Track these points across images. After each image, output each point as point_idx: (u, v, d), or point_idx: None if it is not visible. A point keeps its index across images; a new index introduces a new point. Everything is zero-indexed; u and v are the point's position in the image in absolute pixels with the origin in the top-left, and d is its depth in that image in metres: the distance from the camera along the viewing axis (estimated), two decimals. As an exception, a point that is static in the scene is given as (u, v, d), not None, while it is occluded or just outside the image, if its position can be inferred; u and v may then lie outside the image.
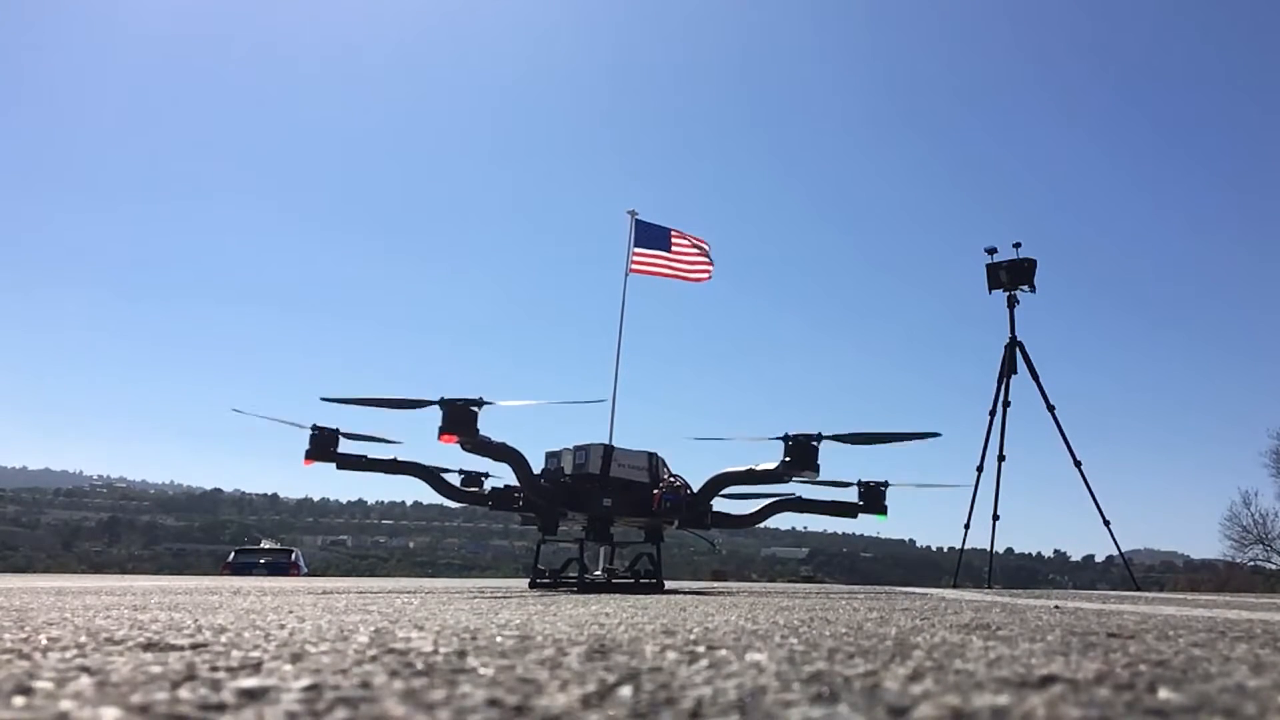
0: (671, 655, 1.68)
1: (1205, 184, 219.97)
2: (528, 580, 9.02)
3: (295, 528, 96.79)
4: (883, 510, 8.84)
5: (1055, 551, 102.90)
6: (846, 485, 8.90)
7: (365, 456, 8.11)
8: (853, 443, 7.88)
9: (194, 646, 1.77)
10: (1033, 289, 14.47)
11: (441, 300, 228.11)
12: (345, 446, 8.05)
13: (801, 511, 8.84)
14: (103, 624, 2.47)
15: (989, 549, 14.86)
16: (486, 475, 9.23)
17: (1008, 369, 14.31)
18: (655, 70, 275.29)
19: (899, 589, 11.83)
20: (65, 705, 1.05)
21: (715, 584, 16.88)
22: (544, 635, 2.14)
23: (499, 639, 2.02)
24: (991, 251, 14.52)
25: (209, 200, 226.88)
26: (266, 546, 26.94)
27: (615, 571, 8.37)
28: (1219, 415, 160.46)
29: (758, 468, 7.87)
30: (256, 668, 1.41)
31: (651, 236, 12.24)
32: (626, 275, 11.75)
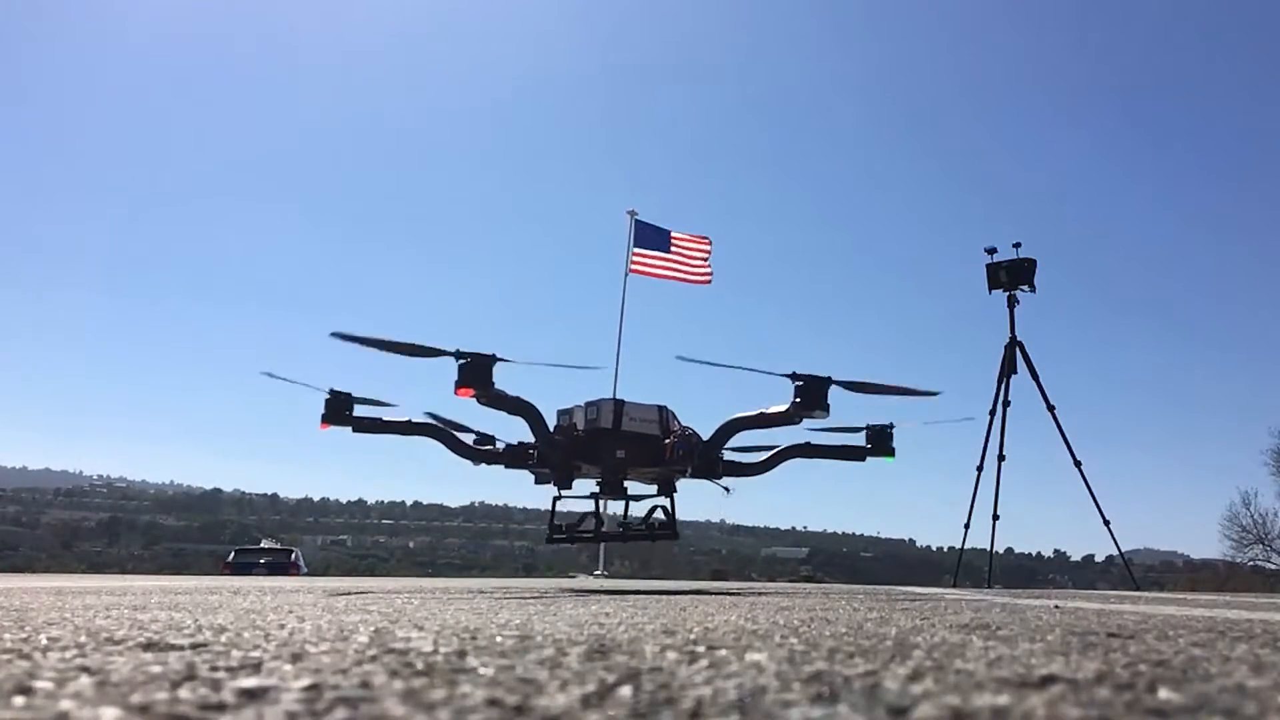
0: (671, 655, 1.68)
1: (1205, 183, 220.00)
2: (545, 538, 9.02)
3: (295, 528, 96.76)
4: (890, 452, 8.86)
5: (1055, 551, 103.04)
6: (855, 430, 8.88)
7: (380, 419, 8.15)
8: (858, 390, 8.04)
9: (194, 646, 1.77)
10: (1033, 289, 14.47)
11: (441, 300, 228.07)
12: (358, 411, 8.08)
13: (811, 457, 8.87)
14: (103, 624, 2.47)
15: (989, 549, 14.87)
16: (495, 438, 9.22)
17: (1008, 369, 14.31)
18: (655, 69, 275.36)
19: (899, 589, 11.83)
20: (65, 705, 1.05)
21: (715, 584, 16.88)
22: (544, 635, 2.14)
23: (499, 639, 2.02)
24: (991, 251, 14.52)
25: (209, 200, 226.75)
26: (266, 546, 26.94)
27: (630, 525, 8.42)
28: (1219, 415, 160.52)
29: (768, 411, 7.92)
30: (256, 668, 1.41)
31: (651, 237, 12.27)
32: (626, 275, 11.78)
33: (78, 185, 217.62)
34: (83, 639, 1.92)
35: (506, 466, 8.54)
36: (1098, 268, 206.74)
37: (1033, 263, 14.43)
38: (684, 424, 8.21)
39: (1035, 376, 14.19)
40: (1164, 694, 1.24)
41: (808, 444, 8.77)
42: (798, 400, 7.62)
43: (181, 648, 1.74)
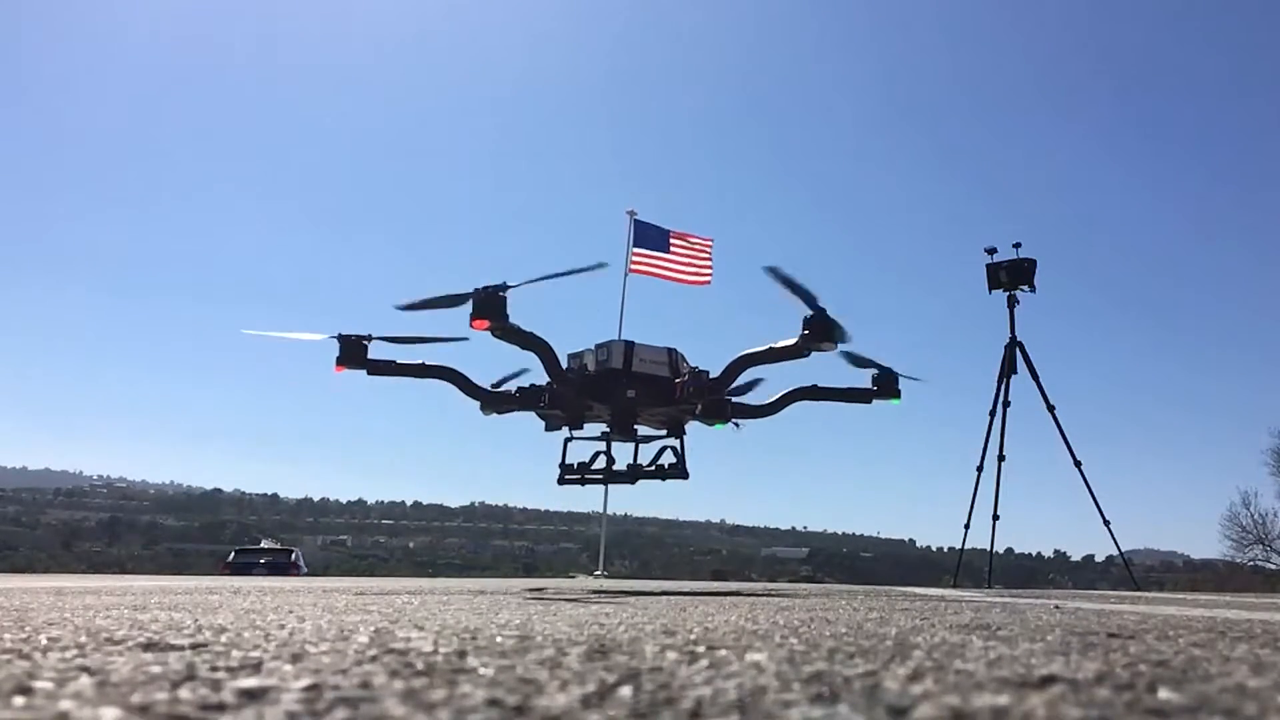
0: (671, 655, 1.68)
1: (1206, 183, 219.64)
2: (555, 478, 9.03)
3: (295, 528, 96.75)
4: (896, 394, 8.91)
5: (1055, 551, 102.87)
6: (865, 365, 8.88)
7: (394, 362, 8.24)
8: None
9: (194, 646, 1.77)
10: (1033, 289, 14.48)
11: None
12: (375, 352, 8.18)
13: (818, 399, 8.94)
14: (103, 624, 2.47)
15: (989, 549, 14.88)
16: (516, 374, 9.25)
17: (1008, 369, 14.32)
18: (655, 69, 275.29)
19: (899, 589, 11.83)
20: (65, 705, 1.05)
21: (715, 584, 16.89)
22: (544, 635, 2.14)
23: (499, 639, 2.02)
24: (991, 251, 14.53)
25: (210, 199, 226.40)
26: (266, 546, 26.94)
27: (640, 468, 8.46)
28: (1219, 415, 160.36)
29: (776, 345, 7.96)
30: (256, 668, 1.41)
31: (650, 237, 12.27)
32: (626, 275, 11.78)
33: (78, 185, 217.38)
34: (83, 639, 1.92)
35: (519, 409, 8.58)
36: (1098, 268, 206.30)
37: (1033, 263, 14.43)
38: (694, 366, 8.30)
39: (1035, 376, 14.20)
40: (1164, 694, 1.24)
41: (814, 386, 8.84)
42: (806, 333, 7.67)
43: (181, 648, 1.74)
